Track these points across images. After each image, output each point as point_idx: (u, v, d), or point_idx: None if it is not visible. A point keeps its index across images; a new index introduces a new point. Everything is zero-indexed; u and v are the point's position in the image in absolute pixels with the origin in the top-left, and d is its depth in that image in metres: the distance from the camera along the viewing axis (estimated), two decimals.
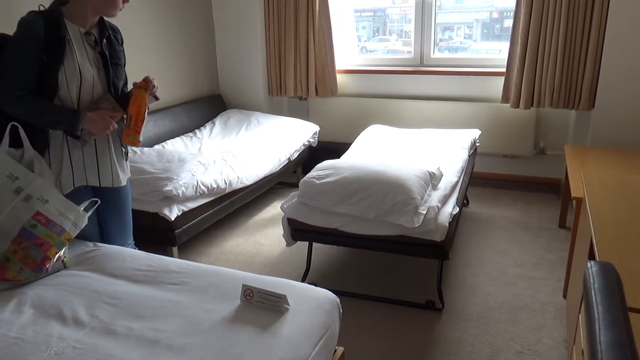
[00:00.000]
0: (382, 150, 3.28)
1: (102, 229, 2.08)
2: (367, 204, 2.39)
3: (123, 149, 2.05)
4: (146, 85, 1.88)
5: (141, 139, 1.90)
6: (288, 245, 2.70)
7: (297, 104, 4.72)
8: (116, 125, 1.91)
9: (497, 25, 4.64)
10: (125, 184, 2.06)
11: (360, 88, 4.50)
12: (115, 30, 1.98)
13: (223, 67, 4.64)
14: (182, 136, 3.87)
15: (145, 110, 1.89)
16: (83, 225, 1.81)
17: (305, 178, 2.55)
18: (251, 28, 4.39)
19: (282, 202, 2.63)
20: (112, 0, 1.81)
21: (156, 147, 3.43)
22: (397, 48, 4.75)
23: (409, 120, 4.27)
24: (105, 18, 1.91)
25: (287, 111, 4.72)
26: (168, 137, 3.76)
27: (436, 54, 4.43)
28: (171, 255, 2.81)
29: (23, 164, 1.75)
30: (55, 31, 1.75)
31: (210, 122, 4.23)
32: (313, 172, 2.60)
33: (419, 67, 4.37)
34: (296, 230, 2.59)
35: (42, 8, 1.80)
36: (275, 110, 4.62)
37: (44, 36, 1.74)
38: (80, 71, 1.81)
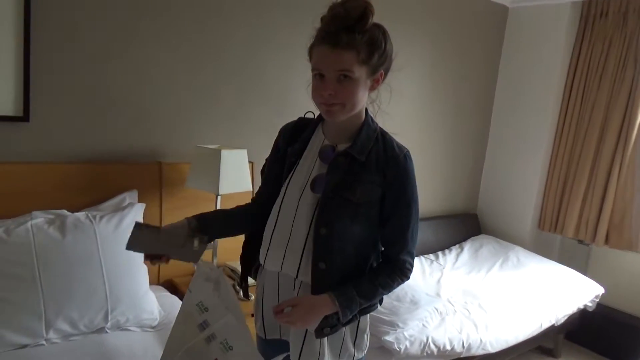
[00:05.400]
0: None
1: None
2: None
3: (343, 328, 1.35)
4: None
5: None
6: None
7: (573, 247, 3.66)
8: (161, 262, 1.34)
9: None
10: None
11: None
12: (389, 155, 1.29)
13: (487, 183, 3.96)
14: (422, 257, 3.29)
15: None
16: None
17: None
18: (533, 146, 3.65)
19: None
20: (313, 92, 1.25)
21: None
22: None
23: None
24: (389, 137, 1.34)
25: (557, 254, 3.71)
26: None
27: None
28: None
29: (218, 291, 1.39)
30: (293, 139, 1.39)
31: (458, 245, 3.56)
32: None
33: None
34: None
35: (309, 115, 1.47)
36: (542, 249, 3.67)
37: (282, 145, 1.41)
38: (286, 188, 1.35)
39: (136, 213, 2.01)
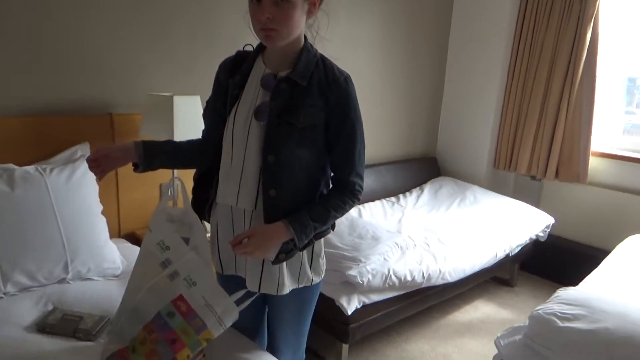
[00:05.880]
0: None
1: (268, 329, 1.62)
2: None
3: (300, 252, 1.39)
4: None
5: None
6: None
7: (526, 183, 3.82)
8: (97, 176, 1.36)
9: None
10: (286, 292, 1.42)
11: (621, 179, 3.40)
12: (330, 79, 1.30)
13: (445, 126, 4.04)
14: (383, 200, 3.36)
15: None
16: (229, 324, 1.36)
17: (540, 312, 1.75)
18: (488, 86, 3.72)
19: (497, 336, 1.86)
20: (252, 19, 1.25)
21: (352, 212, 2.96)
22: None
23: None
24: (328, 61, 1.36)
25: (512, 191, 3.87)
26: (368, 199, 3.29)
27: None
28: (339, 354, 2.27)
29: (181, 229, 1.40)
30: (233, 73, 1.38)
31: (418, 188, 3.66)
32: (553, 305, 1.77)
33: None
34: None
35: (248, 48, 1.45)
36: (498, 187, 3.82)
37: (223, 79, 1.40)
38: (234, 121, 1.34)
39: None
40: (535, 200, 3.70)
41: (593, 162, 3.46)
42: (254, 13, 1.22)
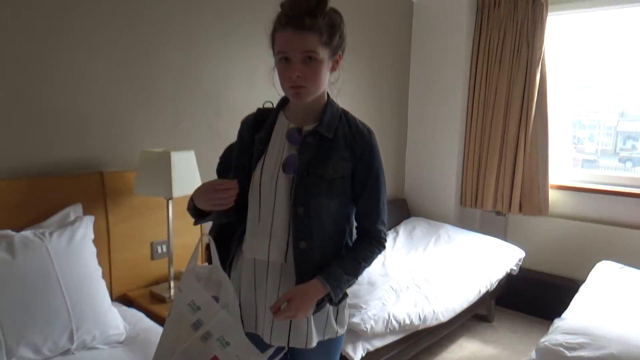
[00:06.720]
0: (635, 305, 2.38)
1: None
2: None
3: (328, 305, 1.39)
4: None
5: None
6: None
7: (492, 219, 4.01)
8: (227, 202, 1.28)
9: None
10: (314, 345, 1.40)
11: (579, 209, 3.65)
12: (354, 131, 1.37)
13: (412, 169, 4.21)
14: None
15: None
16: None
17: (547, 343, 1.83)
18: (449, 129, 3.94)
19: None
20: (281, 78, 1.31)
21: None
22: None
23: None
24: (349, 115, 1.43)
25: (479, 226, 4.04)
26: None
27: None
28: None
29: (209, 287, 1.37)
30: (256, 129, 1.42)
31: (392, 230, 3.74)
32: (556, 336, 1.86)
33: None
34: None
35: (267, 105, 1.50)
36: (466, 223, 3.98)
37: (246, 136, 1.44)
38: (261, 175, 1.37)
39: (87, 226, 1.90)
40: (501, 234, 3.88)
41: (553, 195, 3.69)
42: (283, 71, 1.28)
